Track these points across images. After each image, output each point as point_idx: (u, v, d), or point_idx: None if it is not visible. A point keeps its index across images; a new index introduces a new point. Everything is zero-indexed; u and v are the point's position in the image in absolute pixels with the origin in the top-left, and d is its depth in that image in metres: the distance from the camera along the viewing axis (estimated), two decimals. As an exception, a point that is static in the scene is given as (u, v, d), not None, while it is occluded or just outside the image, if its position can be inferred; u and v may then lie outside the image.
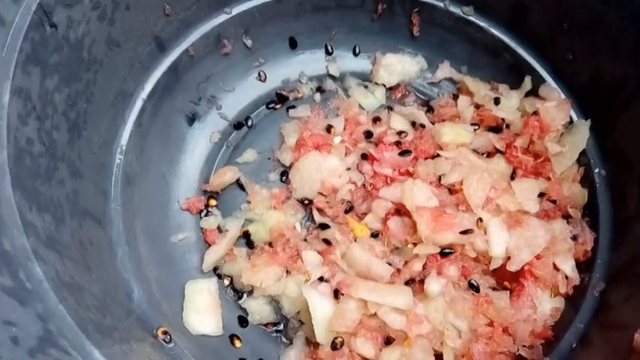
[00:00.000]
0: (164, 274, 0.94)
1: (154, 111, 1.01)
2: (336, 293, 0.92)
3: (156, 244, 0.97)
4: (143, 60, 0.97)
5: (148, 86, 1.00)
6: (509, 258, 0.94)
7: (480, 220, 0.95)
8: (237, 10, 1.08)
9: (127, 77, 0.95)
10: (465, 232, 0.93)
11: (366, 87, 1.19)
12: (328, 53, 1.20)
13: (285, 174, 1.10)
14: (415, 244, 0.96)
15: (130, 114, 0.97)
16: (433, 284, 0.93)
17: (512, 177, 1.02)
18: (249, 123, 1.15)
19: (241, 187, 1.08)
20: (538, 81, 1.08)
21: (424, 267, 0.95)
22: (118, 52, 0.90)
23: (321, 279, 0.97)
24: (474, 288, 0.94)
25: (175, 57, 1.03)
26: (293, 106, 1.16)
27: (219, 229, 1.04)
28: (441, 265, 0.95)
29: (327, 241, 1.00)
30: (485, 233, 0.95)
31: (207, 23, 1.06)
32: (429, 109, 1.15)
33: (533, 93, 1.09)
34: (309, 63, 1.19)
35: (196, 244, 1.03)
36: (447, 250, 0.94)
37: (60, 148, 0.77)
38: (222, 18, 1.07)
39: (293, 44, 1.18)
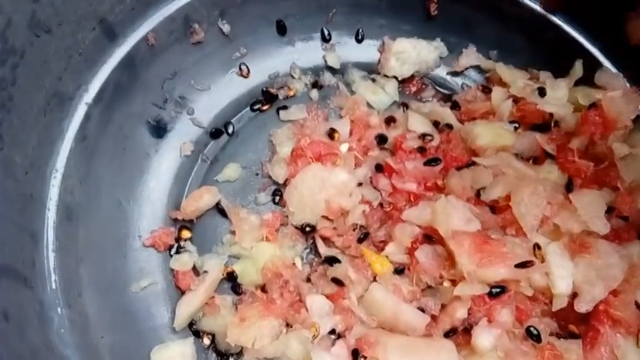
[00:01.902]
0: (122, 339, 0.72)
1: (104, 119, 0.78)
2: (356, 355, 0.70)
3: (110, 299, 0.73)
4: (85, 51, 0.73)
5: (94, 86, 0.76)
6: (575, 295, 0.73)
7: (537, 247, 0.73)
8: (209, -15, 0.85)
9: (64, 75, 0.71)
10: (521, 265, 0.71)
11: (373, 80, 0.97)
12: (325, 40, 0.97)
13: (278, 193, 0.87)
14: (454, 282, 0.76)
15: (70, 124, 0.73)
16: (483, 336, 0.71)
17: (569, 188, 0.80)
18: (230, 130, 0.92)
19: (222, 214, 0.85)
20: (592, 66, 0.87)
21: (469, 312, 0.73)
22: (48, 39, 0.67)
23: (333, 333, 0.75)
24: (534, 337, 0.73)
25: (130, 47, 0.80)
26: (284, 107, 0.93)
27: (196, 271, 0.81)
28: (490, 309, 0.73)
29: (337, 281, 0.78)
30: (542, 262, 0.73)
31: (170, 3, 0.83)
32: (454, 106, 0.93)
33: (584, 81, 0.88)
34: (302, 52, 0.98)
35: (166, 293, 0.81)
36: (497, 289, 0.72)
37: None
38: (190, -5, 0.84)
39: (281, 29, 0.95)
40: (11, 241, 0.61)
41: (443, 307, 0.75)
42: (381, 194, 0.83)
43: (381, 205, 0.83)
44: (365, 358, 0.69)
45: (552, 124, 0.86)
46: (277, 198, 0.87)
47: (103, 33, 0.75)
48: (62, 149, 0.71)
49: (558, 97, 0.88)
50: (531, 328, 0.73)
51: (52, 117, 0.70)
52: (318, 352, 0.71)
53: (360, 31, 0.98)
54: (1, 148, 0.60)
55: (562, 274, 0.73)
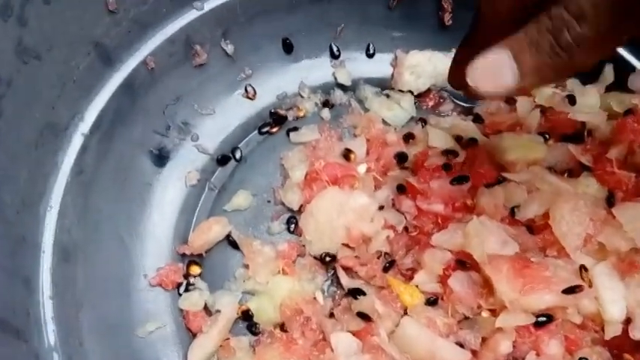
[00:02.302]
0: (129, 393, 0.63)
1: (102, 150, 0.72)
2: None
3: (114, 347, 0.66)
4: (80, 78, 0.68)
5: (91, 115, 0.70)
6: (629, 320, 0.65)
7: (584, 268, 0.66)
8: (210, 4, 0.80)
9: (57, 104, 0.65)
10: (569, 291, 0.64)
11: (387, 96, 0.91)
12: (334, 56, 0.92)
13: (293, 221, 0.80)
14: (493, 311, 0.68)
15: (65, 157, 0.67)
16: (532, 370, 0.63)
17: (611, 202, 0.73)
18: (238, 155, 0.85)
19: (234, 246, 0.78)
20: (623, 69, 0.80)
21: (514, 345, 0.65)
22: (38, 66, 0.61)
23: (361, 375, 0.67)
24: (586, 369, 0.64)
25: (128, 71, 0.74)
26: (295, 128, 0.87)
27: (207, 310, 0.74)
28: (537, 341, 0.65)
29: (364, 316, 0.70)
30: (590, 287, 0.66)
31: (170, 23, 0.78)
32: (476, 119, 0.87)
33: (617, 87, 0.82)
34: (311, 70, 0.91)
35: (176, 336, 0.73)
36: (543, 318, 0.65)
37: None
38: (191, 15, 0.79)
39: (288, 47, 0.89)
40: (0, 290, 0.54)
41: (484, 340, 0.67)
42: (405, 217, 0.76)
43: (406, 229, 0.76)
44: (401, 402, 0.62)
45: (585, 134, 0.80)
46: (292, 226, 0.80)
47: (98, 58, 0.69)
48: (57, 184, 0.65)
49: (590, 104, 0.81)
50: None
51: (44, 150, 0.63)
52: (348, 397, 0.63)
53: (371, 45, 0.92)
54: (-13, 186, 0.54)
55: (613, 298, 0.65)
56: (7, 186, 0.58)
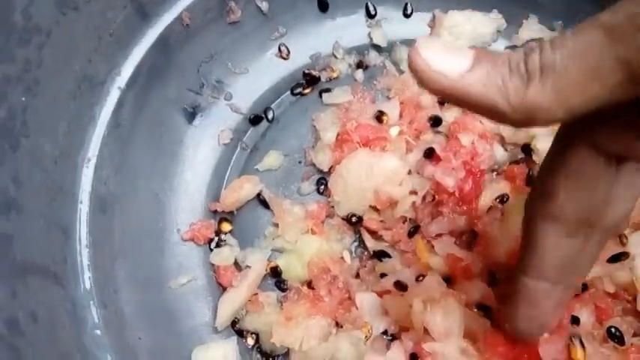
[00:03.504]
0: (161, 340, 0.66)
1: (138, 105, 0.73)
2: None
3: (148, 297, 0.68)
4: (117, 31, 0.68)
5: (127, 70, 0.71)
6: (663, 292, 0.64)
7: (625, 237, 0.64)
8: (246, -41, 0.78)
9: (94, 57, 0.65)
10: (614, 259, 0.63)
11: (424, 58, 0.88)
12: (370, 16, 0.89)
13: (323, 182, 0.80)
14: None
15: (102, 110, 0.68)
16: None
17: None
18: (270, 116, 0.85)
19: (264, 205, 0.79)
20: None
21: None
22: (76, 17, 0.61)
23: (386, 334, 0.67)
24: (616, 339, 0.64)
25: (164, 27, 0.74)
26: (327, 90, 0.86)
27: (238, 266, 0.75)
28: (569, 310, 0.64)
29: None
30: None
31: (206, -21, 0.76)
32: (515, 83, 0.84)
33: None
34: (346, 30, 0.89)
35: (206, 289, 0.74)
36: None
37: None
38: (226, -29, 0.78)
39: (323, 5, 0.88)
40: (39, 237, 0.56)
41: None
42: (429, 185, 0.75)
43: (432, 197, 0.75)
44: (425, 363, 0.62)
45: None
46: (322, 187, 0.80)
47: (134, 12, 0.69)
48: (95, 137, 0.66)
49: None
50: (613, 329, 0.64)
51: (82, 102, 0.65)
52: (373, 355, 0.64)
53: (409, 4, 0.89)
54: (27, 136, 0.55)
55: (649, 268, 0.65)
56: (46, 136, 0.59)
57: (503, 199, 0.73)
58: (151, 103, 0.74)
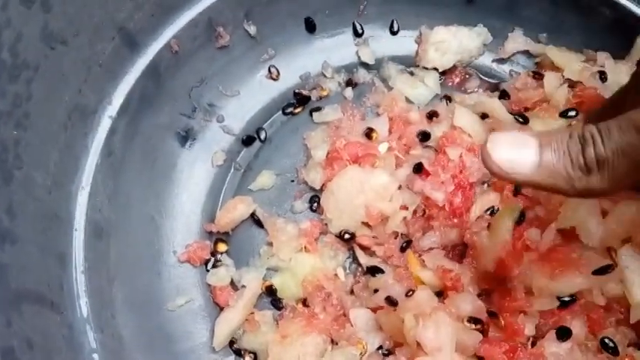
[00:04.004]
0: (158, 362, 0.66)
1: (130, 132, 0.74)
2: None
3: (145, 319, 0.69)
4: (106, 62, 0.70)
5: (118, 98, 0.72)
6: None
7: (613, 250, 0.65)
8: (232, -15, 0.80)
9: (84, 87, 0.67)
10: (600, 271, 0.63)
11: (412, 74, 0.90)
12: (358, 35, 0.91)
13: (315, 200, 0.81)
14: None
15: (94, 139, 0.70)
16: (552, 350, 0.63)
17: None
18: (263, 136, 0.87)
19: (259, 224, 0.80)
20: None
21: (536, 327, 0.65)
22: (65, 51, 0.63)
23: (381, 349, 0.68)
24: (609, 349, 0.64)
25: (153, 55, 0.76)
26: (318, 108, 0.88)
27: (234, 285, 0.76)
28: (559, 321, 0.65)
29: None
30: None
31: (192, 6, 0.79)
32: (503, 95, 0.85)
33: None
34: (334, 50, 0.91)
35: (204, 310, 0.76)
36: (567, 299, 0.64)
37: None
38: (212, -3, 0.79)
39: (310, 27, 0.89)
40: (35, 265, 0.57)
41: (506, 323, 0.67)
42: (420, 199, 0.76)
43: (422, 211, 0.76)
44: (419, 377, 0.63)
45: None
46: (315, 205, 0.81)
47: (123, 42, 0.71)
48: (88, 165, 0.68)
49: (621, 82, 0.79)
50: (606, 340, 0.64)
51: (74, 132, 0.66)
52: (367, 373, 0.65)
53: (395, 22, 0.91)
54: (20, 168, 0.57)
55: (639, 281, 0.65)
56: (39, 168, 0.61)
57: (493, 210, 0.74)
58: (143, 130, 0.76)
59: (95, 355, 0.61)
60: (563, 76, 0.82)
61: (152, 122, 0.77)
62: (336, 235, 0.78)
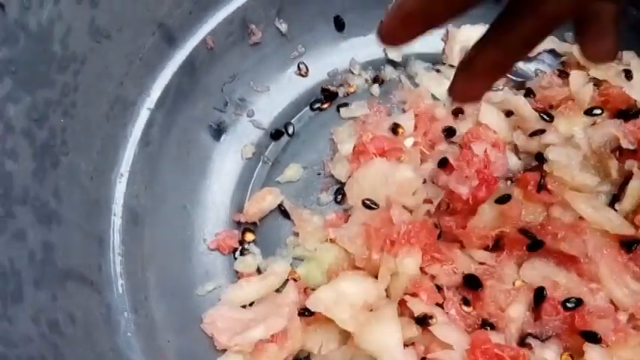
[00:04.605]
0: (188, 344, 0.70)
1: (167, 124, 0.78)
2: (426, 362, 0.65)
3: (176, 303, 0.72)
4: (146, 56, 0.73)
5: (156, 91, 0.76)
6: None
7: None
8: (265, -16, 0.83)
9: (125, 80, 0.71)
10: None
11: (438, 71, 0.92)
12: (385, 33, 0.92)
13: (341, 192, 0.83)
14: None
15: (133, 130, 0.73)
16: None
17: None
18: (291, 130, 0.89)
19: (285, 215, 0.83)
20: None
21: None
22: (109, 45, 0.67)
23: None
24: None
25: (190, 50, 0.79)
26: (345, 104, 0.90)
27: (260, 273, 0.79)
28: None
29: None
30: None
31: (227, 4, 0.82)
32: (528, 93, 0.86)
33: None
34: (362, 47, 0.93)
35: (231, 296, 0.78)
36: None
37: (18, 183, 0.53)
38: (247, -4, 0.82)
39: (340, 25, 0.92)
40: (77, 246, 0.61)
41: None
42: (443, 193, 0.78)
43: (446, 204, 0.77)
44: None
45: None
46: (340, 197, 0.83)
47: (162, 37, 0.75)
48: (127, 154, 0.71)
49: (647, 81, 0.79)
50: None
51: (115, 123, 0.70)
52: (389, 358, 0.67)
53: (422, 21, 0.93)
54: (66, 154, 0.61)
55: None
56: (83, 155, 0.64)
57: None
58: (178, 122, 0.79)
59: (129, 334, 0.64)
60: (589, 75, 0.82)
61: (187, 115, 0.81)
62: (359, 225, 0.80)
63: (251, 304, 0.75)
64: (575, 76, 0.82)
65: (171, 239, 0.76)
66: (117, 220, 0.69)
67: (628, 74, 0.79)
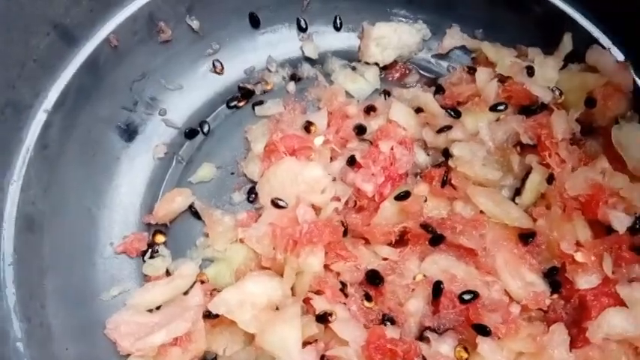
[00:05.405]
0: (89, 351, 0.69)
1: (67, 125, 0.76)
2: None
3: (77, 309, 0.71)
4: (41, 57, 0.71)
5: (54, 92, 0.74)
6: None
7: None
8: (171, -20, 0.82)
9: (17, 83, 0.69)
10: None
11: (354, 69, 0.92)
12: (302, 29, 0.93)
13: (253, 191, 0.83)
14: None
15: (28, 133, 0.71)
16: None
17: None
18: (206, 129, 0.88)
19: (197, 216, 0.82)
20: (583, 40, 0.80)
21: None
22: (-7, 47, 0.64)
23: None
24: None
25: (91, 50, 0.77)
26: (260, 102, 0.90)
27: (169, 275, 0.78)
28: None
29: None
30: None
31: (131, 2, 0.80)
32: (438, 90, 0.87)
33: (575, 57, 0.81)
34: (278, 44, 0.93)
35: (139, 300, 0.76)
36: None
37: None
38: (152, -8, 0.80)
39: (255, 22, 0.91)
40: (-41, 256, 0.59)
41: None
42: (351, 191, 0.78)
43: (354, 202, 0.78)
44: None
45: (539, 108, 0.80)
46: (252, 196, 0.83)
47: (59, 37, 0.72)
48: (20, 159, 0.69)
49: (548, 77, 0.81)
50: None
51: (7, 127, 0.67)
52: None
53: (338, 18, 0.93)
54: (-55, 161, 0.59)
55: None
56: (-32, 161, 0.62)
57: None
58: (81, 123, 0.77)
59: (19, 344, 0.62)
60: (495, 72, 0.84)
61: (91, 116, 0.78)
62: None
63: (158, 308, 0.74)
64: (481, 73, 0.83)
65: (73, 244, 0.75)
66: (8, 228, 0.67)
67: (530, 70, 0.80)
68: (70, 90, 0.75)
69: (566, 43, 0.82)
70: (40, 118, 0.72)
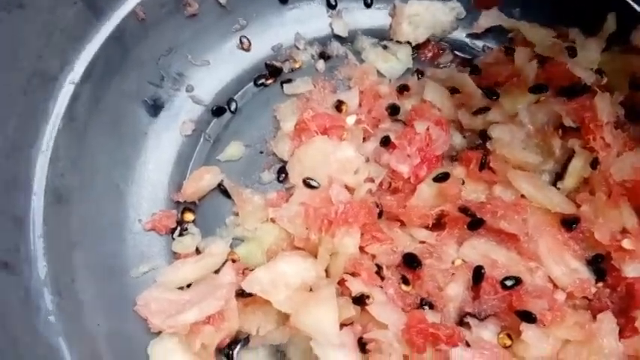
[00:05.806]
0: (120, 327, 0.67)
1: (94, 98, 0.74)
2: (363, 345, 0.63)
3: (107, 285, 0.69)
4: (68, 27, 0.69)
5: (80, 65, 0.72)
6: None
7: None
8: (200, -49, 0.79)
9: (44, 52, 0.66)
10: None
11: (385, 47, 0.90)
12: (331, 6, 0.90)
13: (283, 171, 0.81)
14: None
15: (55, 104, 0.68)
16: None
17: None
18: (233, 107, 0.86)
19: (226, 194, 0.80)
20: (628, 24, 0.77)
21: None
22: (21, 15, 0.62)
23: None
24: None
25: (117, 22, 0.75)
26: (289, 80, 0.87)
27: (199, 254, 0.76)
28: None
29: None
30: None
31: (160, -28, 0.77)
32: (474, 70, 0.85)
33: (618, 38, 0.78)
34: (307, 21, 0.90)
35: (168, 277, 0.75)
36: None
37: None
38: (181, -36, 0.78)
39: (283, -3, 0.88)
40: (-11, 228, 0.57)
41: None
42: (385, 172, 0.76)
43: (388, 183, 0.76)
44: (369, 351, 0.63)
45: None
46: (282, 176, 0.80)
47: (86, 7, 0.70)
48: (48, 130, 0.67)
49: (590, 59, 0.79)
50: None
51: (33, 97, 0.65)
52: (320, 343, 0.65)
53: (369, -6, 0.90)
54: (-25, 131, 0.57)
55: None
56: (-3, 130, 0.60)
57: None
58: (108, 97, 0.75)
59: (52, 317, 0.61)
60: (534, 52, 0.81)
61: (118, 89, 0.76)
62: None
63: (189, 286, 0.72)
64: (520, 53, 0.81)
65: (102, 219, 0.73)
66: (37, 199, 0.65)
67: (572, 51, 0.78)
68: (97, 62, 0.73)
69: (610, 23, 0.79)
70: (66, 90, 0.70)
